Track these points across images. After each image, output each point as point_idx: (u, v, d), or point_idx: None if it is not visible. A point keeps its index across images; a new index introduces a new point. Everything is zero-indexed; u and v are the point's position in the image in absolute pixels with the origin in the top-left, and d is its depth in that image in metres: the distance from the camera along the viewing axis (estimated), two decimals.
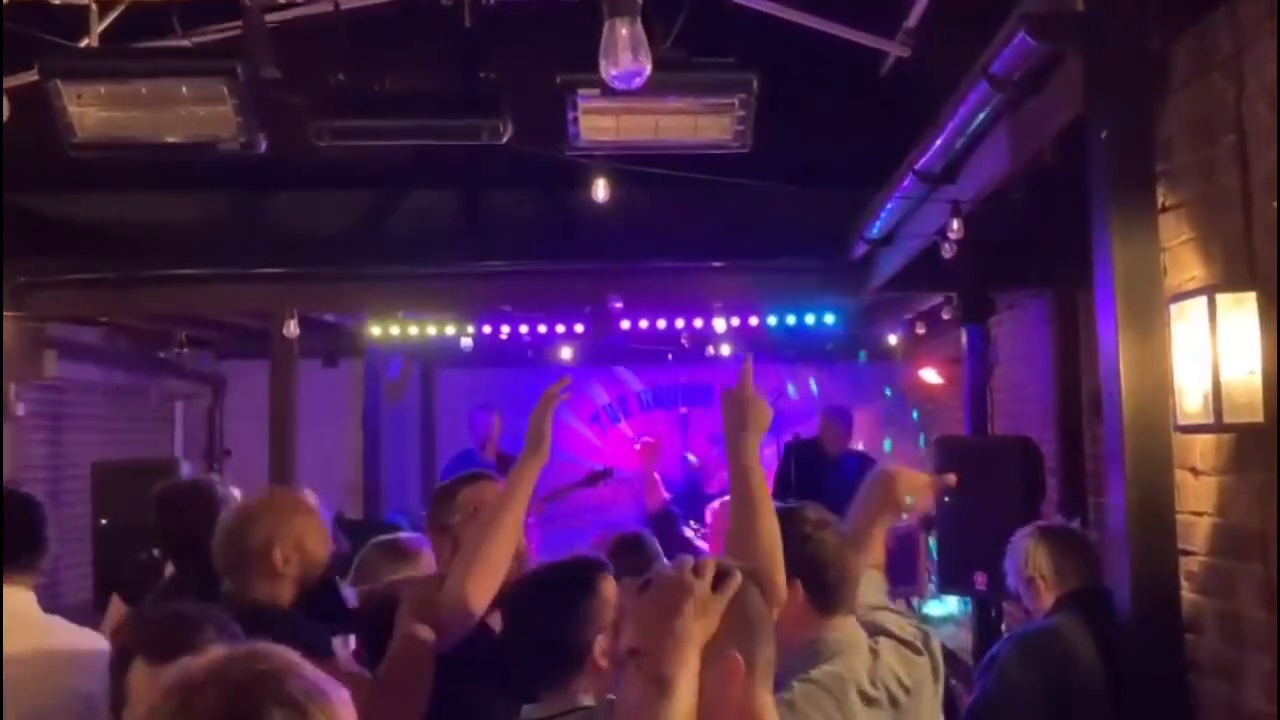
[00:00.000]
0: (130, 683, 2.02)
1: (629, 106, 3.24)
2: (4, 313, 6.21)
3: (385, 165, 5.67)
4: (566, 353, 9.35)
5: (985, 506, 5.22)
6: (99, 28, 3.17)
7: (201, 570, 3.59)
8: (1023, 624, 3.65)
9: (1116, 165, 2.92)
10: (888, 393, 10.27)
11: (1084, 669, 3.21)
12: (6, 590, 2.91)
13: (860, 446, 8.42)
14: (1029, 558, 3.50)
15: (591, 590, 2.36)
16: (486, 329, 8.60)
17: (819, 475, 7.47)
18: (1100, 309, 2.96)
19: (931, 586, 7.04)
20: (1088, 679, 3.20)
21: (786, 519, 2.41)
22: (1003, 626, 5.79)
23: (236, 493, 4.06)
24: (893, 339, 9.01)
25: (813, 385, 10.46)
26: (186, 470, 5.86)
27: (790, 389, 10.22)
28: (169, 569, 3.93)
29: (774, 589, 2.25)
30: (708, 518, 5.90)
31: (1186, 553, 2.90)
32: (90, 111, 3.09)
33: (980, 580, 5.27)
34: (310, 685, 1.31)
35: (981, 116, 3.70)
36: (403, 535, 3.87)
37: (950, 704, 3.29)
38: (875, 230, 5.37)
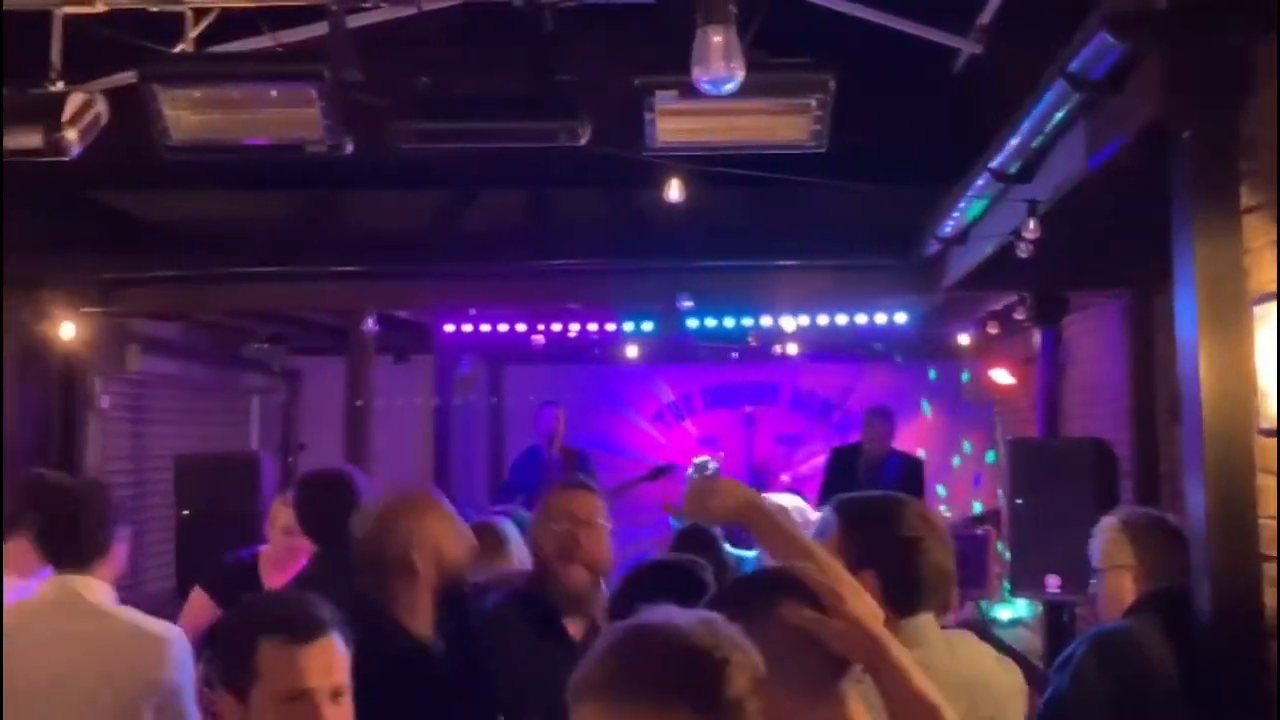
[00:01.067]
0: (263, 663, 2.04)
1: (706, 108, 3.26)
2: (89, 309, 6.41)
3: (457, 165, 5.74)
4: (633, 350, 9.38)
5: (1058, 509, 5.18)
6: (193, 33, 3.27)
7: (345, 555, 3.71)
8: (1099, 625, 3.58)
9: (1199, 166, 2.88)
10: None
11: (1161, 674, 3.16)
12: (78, 580, 2.93)
13: (896, 445, 8.31)
14: (1117, 547, 3.40)
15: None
16: (556, 326, 8.67)
17: (864, 478, 7.43)
18: (1180, 311, 2.93)
19: (1003, 589, 6.98)
20: (1164, 684, 3.15)
21: (892, 512, 2.39)
22: (1075, 630, 5.72)
23: None
24: (964, 339, 8.93)
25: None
26: (267, 465, 6.01)
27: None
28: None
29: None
30: None
31: (1269, 558, 2.86)
32: (185, 115, 3.19)
33: (1052, 583, 5.22)
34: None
35: (1059, 116, 3.67)
36: (496, 522, 3.91)
37: None
38: (948, 229, 5.34)
